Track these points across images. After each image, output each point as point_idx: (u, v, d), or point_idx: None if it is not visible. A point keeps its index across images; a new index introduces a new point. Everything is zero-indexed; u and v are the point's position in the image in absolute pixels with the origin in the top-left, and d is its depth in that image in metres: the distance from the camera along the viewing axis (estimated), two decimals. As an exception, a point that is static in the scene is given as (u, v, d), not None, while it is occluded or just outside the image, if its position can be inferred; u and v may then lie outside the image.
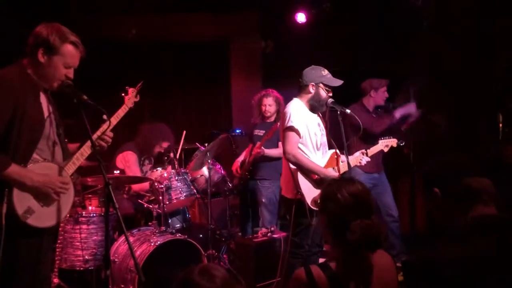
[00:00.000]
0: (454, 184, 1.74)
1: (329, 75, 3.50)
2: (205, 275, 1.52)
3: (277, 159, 4.75)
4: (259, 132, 4.91)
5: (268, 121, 4.88)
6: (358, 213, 1.82)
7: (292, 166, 3.40)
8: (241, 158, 5.07)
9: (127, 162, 4.45)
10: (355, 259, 1.82)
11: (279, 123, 4.45)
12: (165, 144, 4.69)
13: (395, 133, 4.29)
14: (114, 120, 2.68)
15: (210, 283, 1.50)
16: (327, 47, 6.03)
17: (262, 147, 4.67)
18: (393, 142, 3.87)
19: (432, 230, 5.22)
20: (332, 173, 3.42)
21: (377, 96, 4.69)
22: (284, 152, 3.43)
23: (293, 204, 3.39)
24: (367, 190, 1.91)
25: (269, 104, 4.84)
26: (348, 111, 3.45)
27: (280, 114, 4.77)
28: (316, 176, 3.37)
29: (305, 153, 3.44)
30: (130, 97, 2.85)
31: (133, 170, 4.43)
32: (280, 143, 4.68)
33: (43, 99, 2.42)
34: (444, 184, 1.80)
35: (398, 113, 4.61)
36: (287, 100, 3.63)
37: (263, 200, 4.74)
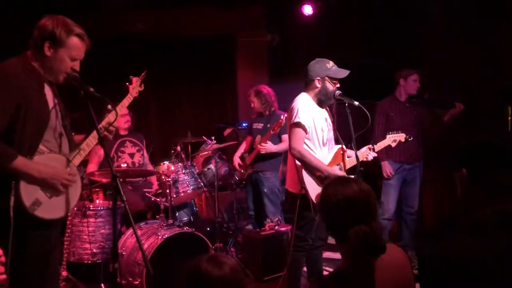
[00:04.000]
0: (486, 169, 1.63)
1: (335, 67, 3.46)
2: (214, 262, 1.52)
3: (279, 153, 4.80)
4: (258, 125, 4.96)
5: (266, 113, 4.93)
6: (352, 216, 1.77)
7: (297, 161, 3.39)
8: (239, 151, 5.09)
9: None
10: (355, 263, 1.78)
11: (284, 118, 4.48)
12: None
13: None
14: (119, 110, 2.68)
15: (219, 270, 1.50)
16: (334, 40, 5.99)
17: (269, 142, 4.67)
18: (401, 137, 3.84)
19: (442, 223, 5.20)
20: (336, 171, 3.39)
21: (407, 84, 4.65)
22: (290, 147, 3.41)
23: (297, 199, 3.38)
24: (366, 191, 1.83)
25: (252, 102, 4.97)
26: (356, 103, 3.40)
27: (271, 106, 4.87)
28: (319, 173, 3.35)
29: (310, 149, 3.41)
30: (134, 87, 2.84)
31: (91, 161, 4.41)
32: (282, 137, 4.72)
33: (47, 91, 2.41)
34: (475, 167, 1.68)
35: (447, 117, 4.62)
36: (294, 93, 3.60)
37: (265, 190, 4.78)
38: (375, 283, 1.75)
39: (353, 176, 3.30)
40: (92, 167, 4.40)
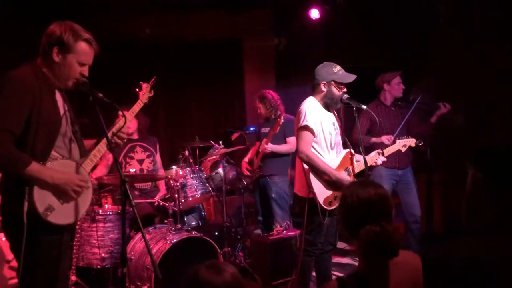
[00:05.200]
0: (495, 172, 1.61)
1: (342, 71, 3.45)
2: (213, 269, 1.51)
3: (285, 154, 4.78)
4: (265, 130, 4.99)
5: (272, 118, 4.95)
6: (366, 219, 1.77)
7: (305, 165, 3.38)
8: (248, 157, 5.11)
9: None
10: (369, 263, 1.79)
11: (282, 118, 4.48)
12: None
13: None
14: (130, 116, 2.70)
15: (218, 277, 1.49)
16: (341, 44, 5.99)
17: (270, 143, 4.68)
18: (411, 142, 3.81)
19: (450, 225, 5.16)
20: (344, 176, 3.37)
21: (392, 88, 4.65)
22: (298, 151, 3.41)
23: (305, 203, 3.37)
24: (382, 195, 1.84)
25: (258, 107, 5.02)
26: (364, 107, 3.40)
27: (277, 109, 4.89)
28: (327, 177, 3.34)
29: (318, 153, 3.40)
30: (145, 92, 2.86)
31: (100, 164, 4.41)
32: (287, 139, 4.73)
33: (58, 97, 2.44)
34: (485, 170, 1.66)
35: (433, 119, 4.56)
36: (301, 97, 3.60)
37: (273, 196, 4.78)
38: (389, 284, 1.75)
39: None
40: (100, 170, 4.42)
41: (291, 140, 4.71)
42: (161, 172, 4.71)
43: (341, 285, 1.75)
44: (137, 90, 2.88)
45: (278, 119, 4.52)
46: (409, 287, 1.81)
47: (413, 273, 1.84)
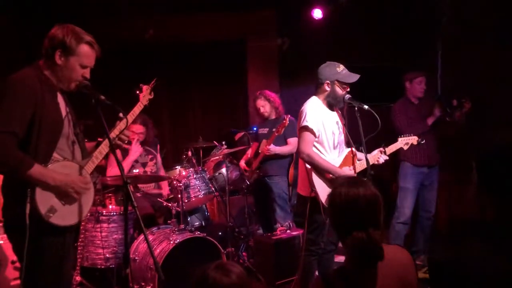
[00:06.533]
0: (499, 174, 1.57)
1: (345, 71, 3.44)
2: (221, 270, 1.54)
3: (285, 156, 4.79)
4: (263, 130, 4.97)
5: (270, 118, 4.96)
6: (352, 220, 1.77)
7: (307, 165, 3.38)
8: (245, 157, 5.13)
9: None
10: (356, 263, 1.79)
11: (287, 119, 4.48)
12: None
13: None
14: (130, 118, 2.71)
15: (226, 278, 1.51)
16: (344, 43, 5.99)
17: (272, 145, 4.68)
18: (413, 140, 3.80)
19: (455, 226, 5.15)
20: (347, 172, 3.37)
21: (412, 87, 4.65)
22: (299, 151, 3.42)
23: (307, 202, 3.37)
24: (371, 198, 1.80)
25: (262, 106, 4.98)
26: (366, 107, 3.38)
27: (279, 111, 4.90)
28: (331, 175, 3.34)
29: (320, 152, 3.41)
30: (145, 95, 2.87)
31: (111, 167, 4.42)
32: (288, 140, 4.74)
33: (60, 99, 2.46)
34: (489, 171, 1.62)
35: (458, 115, 4.54)
36: (305, 97, 3.60)
37: (274, 196, 4.78)
38: (377, 281, 1.76)
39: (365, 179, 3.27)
40: (111, 170, 4.41)
41: (292, 141, 4.70)
42: (162, 172, 4.73)
43: (325, 282, 1.76)
44: (138, 92, 2.88)
45: (284, 121, 4.51)
46: (397, 282, 1.80)
47: (401, 269, 1.83)
